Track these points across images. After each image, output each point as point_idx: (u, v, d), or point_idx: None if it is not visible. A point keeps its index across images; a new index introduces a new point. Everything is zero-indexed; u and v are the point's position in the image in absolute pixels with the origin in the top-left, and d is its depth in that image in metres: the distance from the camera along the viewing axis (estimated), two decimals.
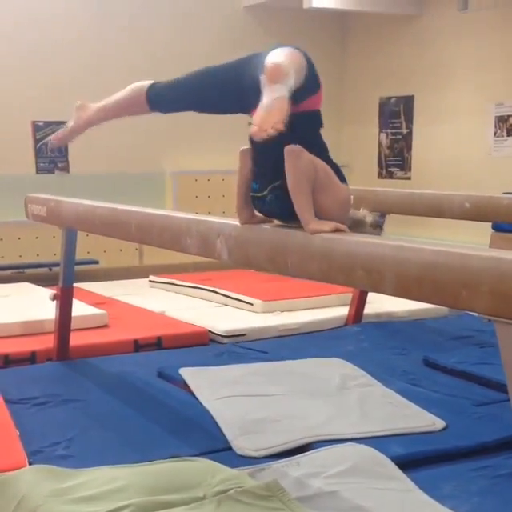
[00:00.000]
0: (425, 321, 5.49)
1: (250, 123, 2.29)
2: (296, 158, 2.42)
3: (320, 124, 2.60)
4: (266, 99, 2.23)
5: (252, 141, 2.56)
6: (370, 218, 2.63)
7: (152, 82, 2.91)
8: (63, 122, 8.19)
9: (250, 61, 2.62)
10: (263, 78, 2.28)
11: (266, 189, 2.54)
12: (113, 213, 3.56)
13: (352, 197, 2.61)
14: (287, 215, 2.51)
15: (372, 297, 5.32)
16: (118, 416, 3.54)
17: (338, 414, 3.50)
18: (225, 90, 2.70)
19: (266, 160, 2.54)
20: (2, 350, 4.42)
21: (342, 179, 2.57)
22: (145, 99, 2.89)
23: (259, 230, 2.65)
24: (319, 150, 2.53)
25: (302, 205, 2.43)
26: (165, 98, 2.87)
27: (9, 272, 7.23)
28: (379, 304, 5.58)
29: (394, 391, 3.84)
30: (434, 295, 2.07)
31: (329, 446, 3.12)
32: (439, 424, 3.41)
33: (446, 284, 1.99)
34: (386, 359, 4.49)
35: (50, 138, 3.25)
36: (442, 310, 5.44)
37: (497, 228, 6.37)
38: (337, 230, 2.39)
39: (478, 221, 4.81)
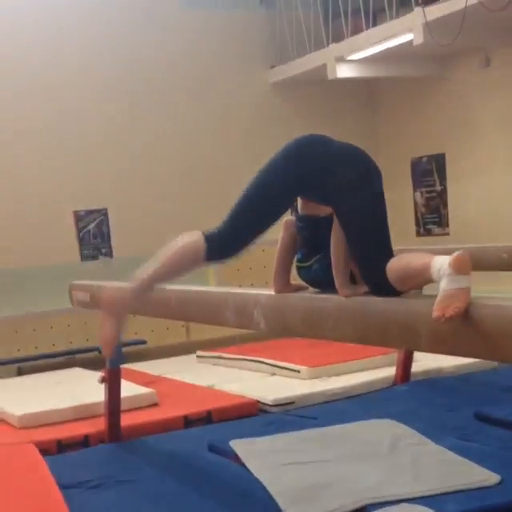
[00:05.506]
0: (474, 374, 5.43)
1: None
2: (341, 229, 2.54)
3: None
4: (448, 286, 2.14)
5: (299, 216, 2.72)
6: None
7: (201, 235, 2.64)
8: (103, 209, 8.29)
9: (293, 161, 2.56)
10: (446, 265, 2.16)
11: (312, 259, 2.68)
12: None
13: None
14: (330, 284, 2.58)
15: (419, 355, 5.28)
16: (171, 493, 3.55)
17: (390, 475, 3.48)
18: (281, 200, 2.61)
19: (313, 234, 2.68)
20: (54, 435, 4.49)
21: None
22: (203, 258, 2.63)
23: (294, 297, 2.72)
24: None
25: (339, 269, 2.55)
26: (228, 250, 2.65)
27: (61, 359, 7.34)
28: (427, 361, 5.54)
29: (446, 448, 3.80)
30: (466, 348, 2.09)
31: (383, 508, 3.10)
32: (494, 478, 3.36)
33: (480, 335, 2.00)
34: (437, 416, 4.45)
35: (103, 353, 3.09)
36: (491, 362, 5.35)
37: None
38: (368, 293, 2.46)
39: None
